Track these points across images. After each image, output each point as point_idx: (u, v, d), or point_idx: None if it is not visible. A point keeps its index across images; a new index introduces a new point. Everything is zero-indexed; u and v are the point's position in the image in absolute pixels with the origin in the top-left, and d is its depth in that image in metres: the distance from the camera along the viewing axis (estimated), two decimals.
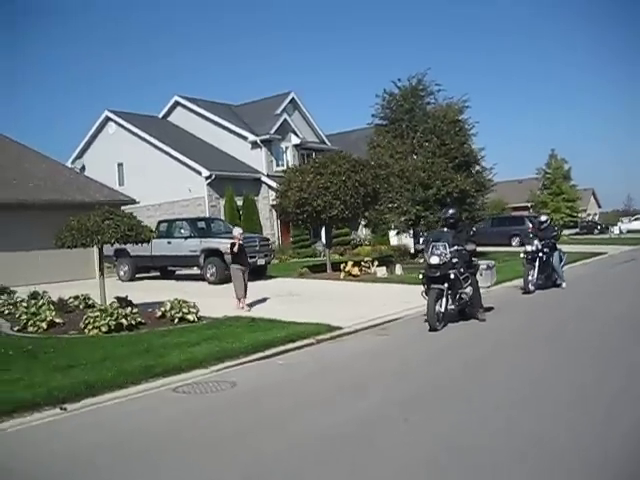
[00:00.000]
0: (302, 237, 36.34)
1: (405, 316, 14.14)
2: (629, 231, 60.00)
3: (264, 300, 16.81)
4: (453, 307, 12.72)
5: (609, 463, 5.21)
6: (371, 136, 30.80)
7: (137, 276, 24.80)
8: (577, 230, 58.87)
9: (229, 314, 14.09)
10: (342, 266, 22.68)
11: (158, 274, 25.52)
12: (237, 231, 16.43)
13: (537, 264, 17.58)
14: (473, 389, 7.73)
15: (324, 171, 23.12)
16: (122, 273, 24.72)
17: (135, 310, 13.18)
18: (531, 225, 42.46)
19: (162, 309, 13.70)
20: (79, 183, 28.48)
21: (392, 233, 36.03)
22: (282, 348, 10.76)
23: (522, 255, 18.12)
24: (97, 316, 12.59)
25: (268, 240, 24.89)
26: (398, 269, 23.26)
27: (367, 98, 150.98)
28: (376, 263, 23.63)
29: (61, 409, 7.62)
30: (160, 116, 42.86)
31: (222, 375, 9.12)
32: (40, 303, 14.56)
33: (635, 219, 69.43)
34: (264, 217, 36.71)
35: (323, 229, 36.97)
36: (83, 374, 8.79)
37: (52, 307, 14.23)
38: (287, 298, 17.38)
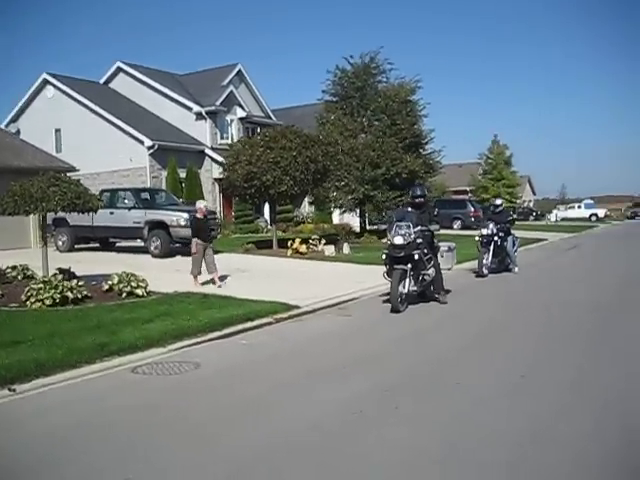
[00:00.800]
0: (245, 212, 35.69)
1: (362, 296, 13.84)
2: (563, 219, 61.21)
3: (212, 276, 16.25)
4: (415, 288, 12.40)
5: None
6: (320, 112, 30.30)
7: (76, 247, 23.85)
8: (514, 216, 59.35)
9: (178, 289, 13.50)
10: (289, 243, 22.24)
11: (97, 245, 24.61)
12: (202, 203, 15.76)
13: (492, 248, 17.48)
14: (451, 376, 7.39)
15: (274, 145, 22.50)
16: (60, 243, 23.75)
17: (81, 283, 12.51)
18: (473, 209, 43.18)
19: (109, 282, 13.05)
20: (14, 147, 27.23)
21: (336, 212, 35.70)
22: (240, 327, 10.30)
23: (477, 238, 17.94)
24: (40, 288, 11.89)
25: (215, 214, 24.25)
26: (346, 248, 22.98)
27: (314, 75, 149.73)
28: (323, 241, 23.25)
29: (9, 390, 6.99)
30: (101, 82, 41.34)
31: (182, 355, 8.60)
32: None
33: (570, 207, 70.93)
34: (206, 190, 35.88)
35: (266, 205, 36.79)
36: (31, 351, 8.13)
37: None
38: (236, 274, 16.84)
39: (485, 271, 17.23)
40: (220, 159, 36.33)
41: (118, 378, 7.54)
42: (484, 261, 17.31)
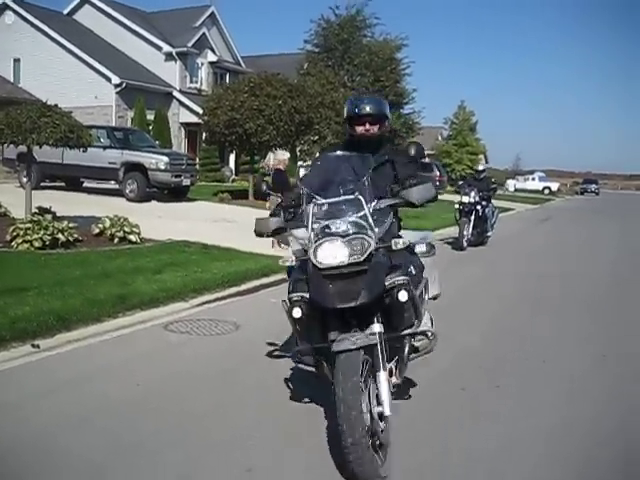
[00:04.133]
0: (212, 160, 34.47)
1: None
2: (517, 190, 61.33)
3: (201, 225, 15.39)
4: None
5: None
6: (301, 62, 29.32)
7: (41, 185, 22.51)
8: (495, 185, 59.46)
9: (169, 237, 12.58)
10: (268, 205, 21.37)
11: (63, 184, 23.32)
12: (284, 155, 14.36)
13: (472, 218, 16.00)
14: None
15: (260, 92, 21.55)
16: (25, 180, 22.37)
17: (72, 225, 11.53)
18: (438, 173, 42.79)
19: (100, 226, 12.10)
20: None
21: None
22: (257, 282, 9.59)
23: (456, 206, 16.49)
24: (28, 228, 10.88)
25: (194, 159, 23.22)
26: None
27: (285, 23, 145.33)
28: None
29: (33, 346, 6.12)
30: (65, 12, 39.19)
31: (209, 312, 7.84)
32: None
33: (529, 179, 71.11)
34: (172, 135, 34.54)
35: (232, 154, 35.74)
36: (43, 301, 7.20)
37: None
38: (223, 225, 16.05)
39: (465, 244, 15.64)
40: (189, 103, 35.16)
41: (154, 336, 6.72)
42: (464, 232, 15.61)
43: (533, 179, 71.48)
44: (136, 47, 36.68)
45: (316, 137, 27.11)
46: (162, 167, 19.49)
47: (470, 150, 57.19)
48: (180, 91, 35.74)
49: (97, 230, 12.07)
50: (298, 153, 29.27)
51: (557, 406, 5.24)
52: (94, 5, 38.29)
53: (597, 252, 16.87)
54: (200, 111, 28.33)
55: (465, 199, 15.97)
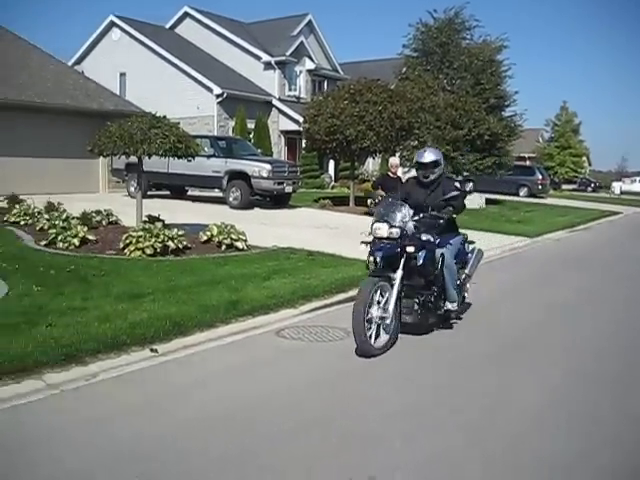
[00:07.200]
0: (312, 167, 34.71)
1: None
2: (623, 192, 58.96)
3: (304, 231, 15.49)
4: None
5: None
6: (399, 67, 29.19)
7: (147, 193, 23.21)
8: (575, 186, 58.01)
9: (275, 244, 12.71)
10: (369, 202, 21.32)
11: (168, 193, 23.98)
12: (395, 160, 14.40)
13: (398, 278, 6.74)
14: None
15: (360, 99, 21.57)
16: (133, 189, 23.12)
17: (181, 232, 11.81)
18: (541, 176, 41.69)
19: (208, 233, 12.36)
20: (88, 89, 26.54)
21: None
22: None
23: (363, 247, 7.12)
24: (140, 236, 11.22)
25: (296, 166, 23.44)
26: None
27: (381, 30, 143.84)
28: None
29: (152, 351, 6.29)
30: (167, 27, 40.38)
31: (316, 318, 7.90)
32: (64, 216, 13.14)
33: (637, 181, 68.18)
34: (272, 142, 34.99)
35: (331, 161, 35.93)
36: (159, 307, 7.44)
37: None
38: (326, 231, 16.09)
39: (376, 344, 6.51)
40: (288, 111, 35.53)
41: (267, 342, 6.81)
42: (372, 310, 6.48)
43: None
44: (236, 57, 37.35)
45: (416, 142, 26.90)
46: (265, 175, 19.78)
47: (573, 152, 55.70)
48: (279, 99, 36.14)
49: (205, 237, 12.33)
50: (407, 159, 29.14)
51: None
52: (195, 18, 39.31)
53: None
54: (299, 119, 28.70)
55: (379, 230, 6.89)
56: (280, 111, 35.91)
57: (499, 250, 14.95)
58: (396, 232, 6.76)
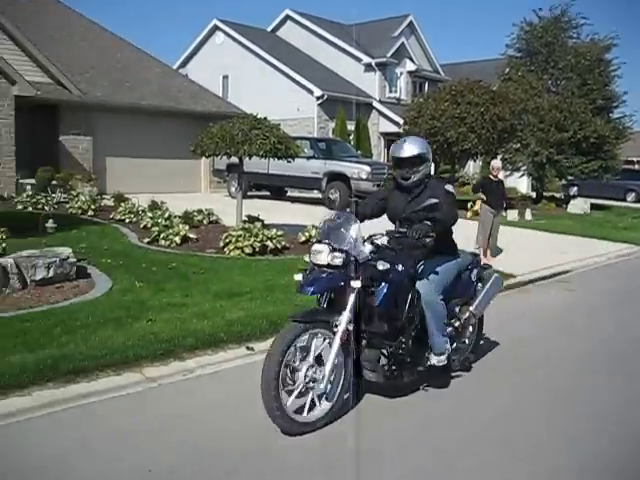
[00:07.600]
0: None
1: (574, 269, 12.56)
2: None
3: None
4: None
5: None
6: (502, 68, 28.63)
7: (247, 194, 23.58)
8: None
9: None
10: (469, 205, 21.00)
11: (268, 193, 24.31)
12: (497, 162, 13.68)
13: (341, 325, 4.83)
14: None
15: (461, 100, 21.33)
16: (233, 189, 23.53)
17: (280, 232, 11.92)
18: None
19: (306, 234, 12.45)
20: (191, 91, 27.23)
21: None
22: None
23: (297, 278, 4.98)
24: (240, 235, 11.41)
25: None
26: (528, 214, 21.55)
27: (485, 29, 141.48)
28: (504, 205, 21.87)
29: (248, 349, 6.37)
30: (269, 30, 40.98)
31: None
32: (167, 215, 13.51)
33: None
34: (372, 144, 34.95)
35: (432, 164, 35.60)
36: (256, 305, 7.55)
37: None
38: None
39: (306, 417, 4.76)
40: (388, 113, 35.41)
41: None
42: (300, 374, 4.66)
43: None
44: (336, 59, 37.53)
45: (518, 145, 26.34)
46: (364, 176, 19.79)
47: None
48: (379, 101, 36.06)
49: (303, 238, 12.43)
50: (519, 164, 28.61)
51: None
52: (296, 21, 39.73)
53: None
54: (399, 120, 28.55)
55: (317, 255, 4.94)
56: (380, 113, 35.85)
57: (604, 257, 14.41)
58: (339, 259, 4.81)
